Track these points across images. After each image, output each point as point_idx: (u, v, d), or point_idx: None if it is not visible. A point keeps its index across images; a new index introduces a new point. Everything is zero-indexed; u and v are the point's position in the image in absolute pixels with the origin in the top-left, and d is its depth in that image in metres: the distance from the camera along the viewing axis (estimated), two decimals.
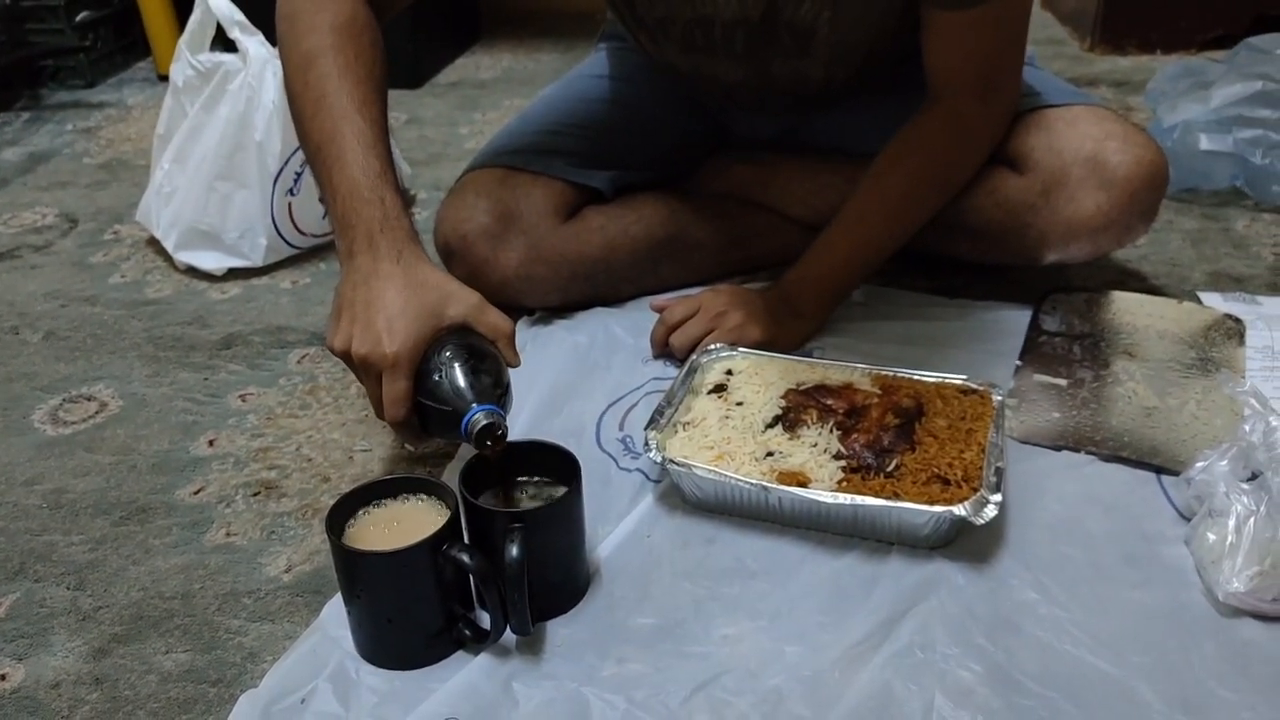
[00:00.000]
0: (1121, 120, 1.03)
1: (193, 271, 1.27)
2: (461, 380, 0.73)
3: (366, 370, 0.74)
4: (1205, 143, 1.30)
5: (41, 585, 0.79)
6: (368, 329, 0.74)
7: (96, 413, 1.01)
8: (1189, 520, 0.78)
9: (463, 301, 0.76)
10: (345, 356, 0.75)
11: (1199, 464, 0.78)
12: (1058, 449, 0.87)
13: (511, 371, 0.75)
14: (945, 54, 0.96)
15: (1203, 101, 1.32)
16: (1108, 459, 0.86)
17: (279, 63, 1.20)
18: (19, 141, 1.81)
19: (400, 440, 0.79)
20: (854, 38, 1.00)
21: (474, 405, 0.71)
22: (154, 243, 1.33)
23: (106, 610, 0.76)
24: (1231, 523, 0.72)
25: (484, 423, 0.70)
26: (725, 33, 1.00)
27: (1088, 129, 1.01)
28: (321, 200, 0.85)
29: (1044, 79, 1.09)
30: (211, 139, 1.23)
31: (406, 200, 0.82)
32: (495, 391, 0.74)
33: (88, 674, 0.71)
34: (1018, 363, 0.99)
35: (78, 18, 2.07)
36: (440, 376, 0.73)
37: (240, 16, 1.24)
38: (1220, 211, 1.30)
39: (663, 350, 1.02)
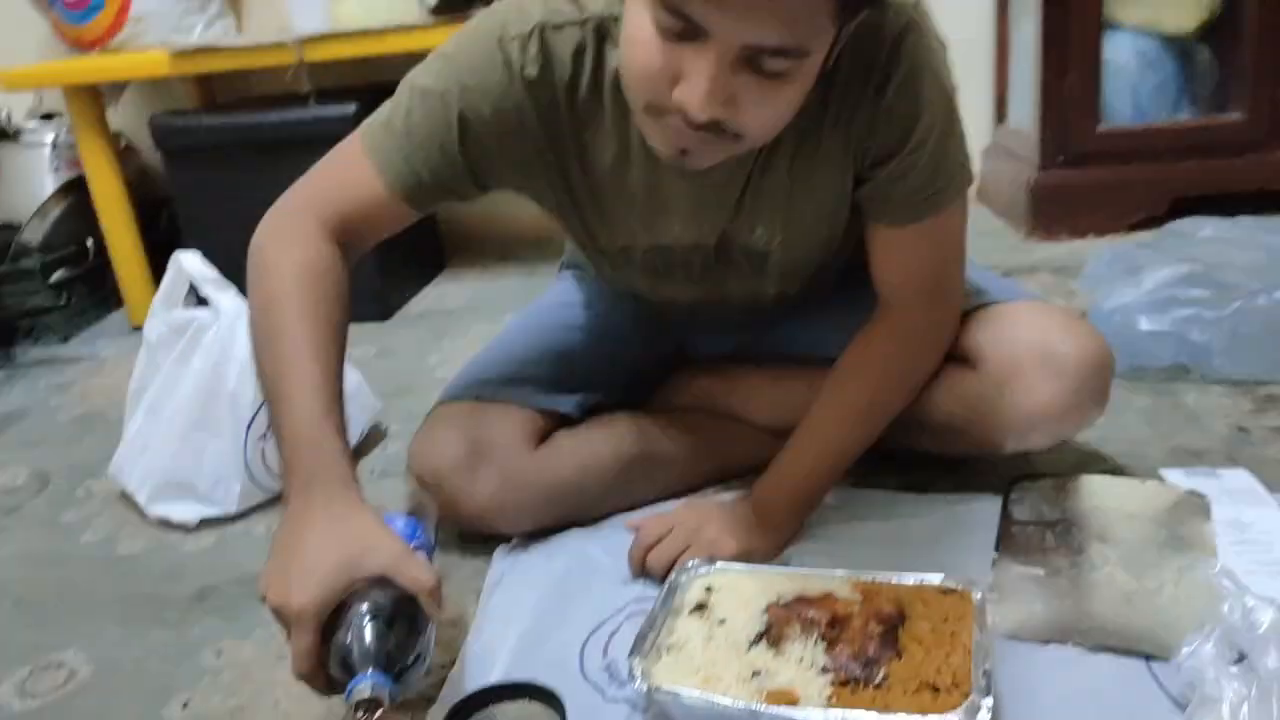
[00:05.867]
0: (1063, 311, 1.08)
1: (165, 524, 1.26)
2: (361, 641, 0.72)
3: (279, 621, 0.75)
4: (1145, 324, 1.35)
5: None
6: (282, 579, 0.75)
7: (66, 681, 0.98)
8: (1184, 708, 0.77)
9: (384, 552, 0.77)
10: (266, 603, 0.76)
11: (1186, 649, 0.78)
12: (1044, 643, 0.87)
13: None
14: (892, 266, 1.01)
15: (1136, 285, 1.38)
16: (1095, 650, 0.85)
17: None
18: None
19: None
20: (804, 256, 1.06)
21: (363, 672, 0.70)
22: (126, 497, 1.33)
23: None
24: (1226, 710, 0.71)
25: (364, 695, 0.69)
26: (684, 258, 1.06)
27: (1033, 321, 1.05)
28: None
29: (985, 277, 1.15)
30: (185, 391, 1.25)
31: (348, 443, 0.85)
32: (397, 656, 0.72)
33: None
34: (994, 555, 1.00)
35: (53, 277, 2.13)
36: (344, 634, 0.73)
37: (213, 274, 1.29)
38: (1170, 387, 1.35)
39: (641, 571, 1.01)
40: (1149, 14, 2.01)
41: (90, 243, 2.23)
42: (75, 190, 2.21)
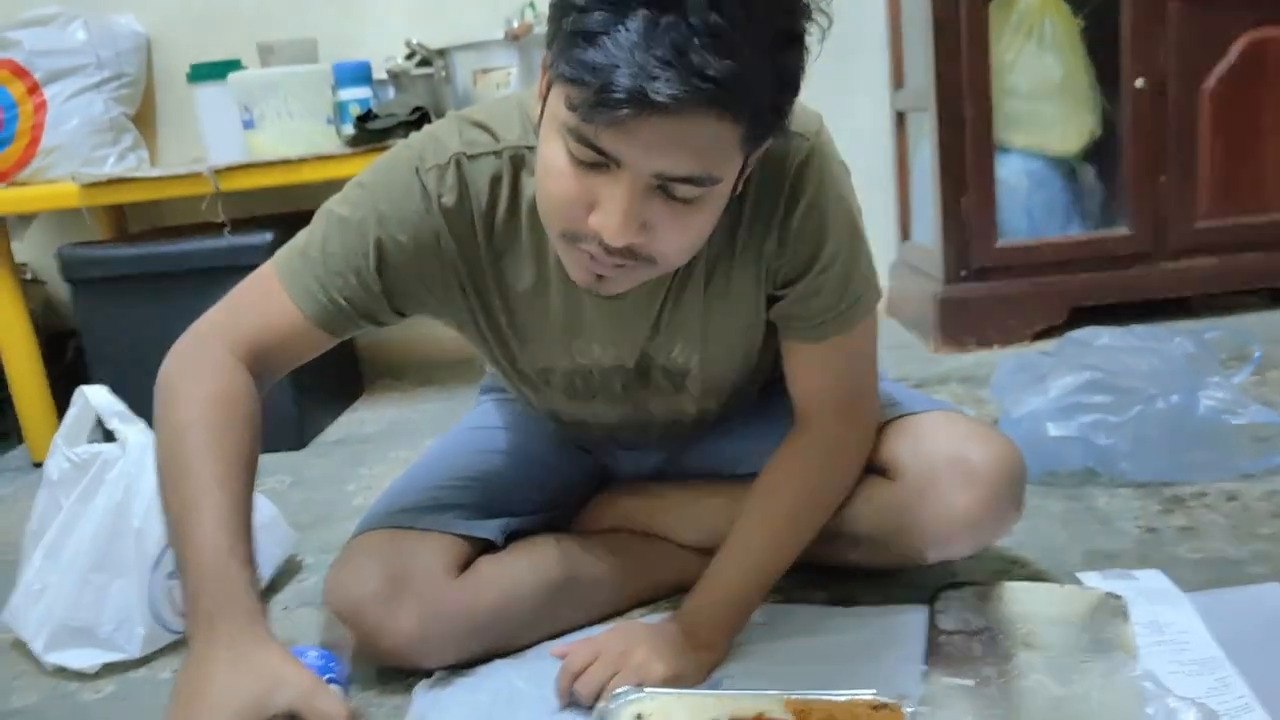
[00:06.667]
0: (975, 421, 1.11)
1: (63, 672, 1.19)
2: None
3: None
4: (1053, 430, 1.39)
5: None
6: None
7: None
8: None
9: (292, 687, 0.74)
10: None
11: None
12: None
13: None
14: (807, 381, 1.03)
15: (1043, 392, 1.43)
16: None
17: None
18: None
19: None
20: (722, 374, 1.08)
21: None
22: (20, 645, 1.25)
23: None
24: None
25: None
26: (604, 379, 1.06)
27: (947, 432, 1.07)
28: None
29: (898, 389, 1.18)
30: (87, 530, 1.20)
31: (257, 576, 0.83)
32: None
33: None
34: (923, 667, 0.99)
35: None
36: None
37: (120, 406, 1.25)
38: (1081, 491, 1.38)
39: (569, 700, 0.98)
40: (1036, 137, 2.14)
41: None
42: None
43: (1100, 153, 2.17)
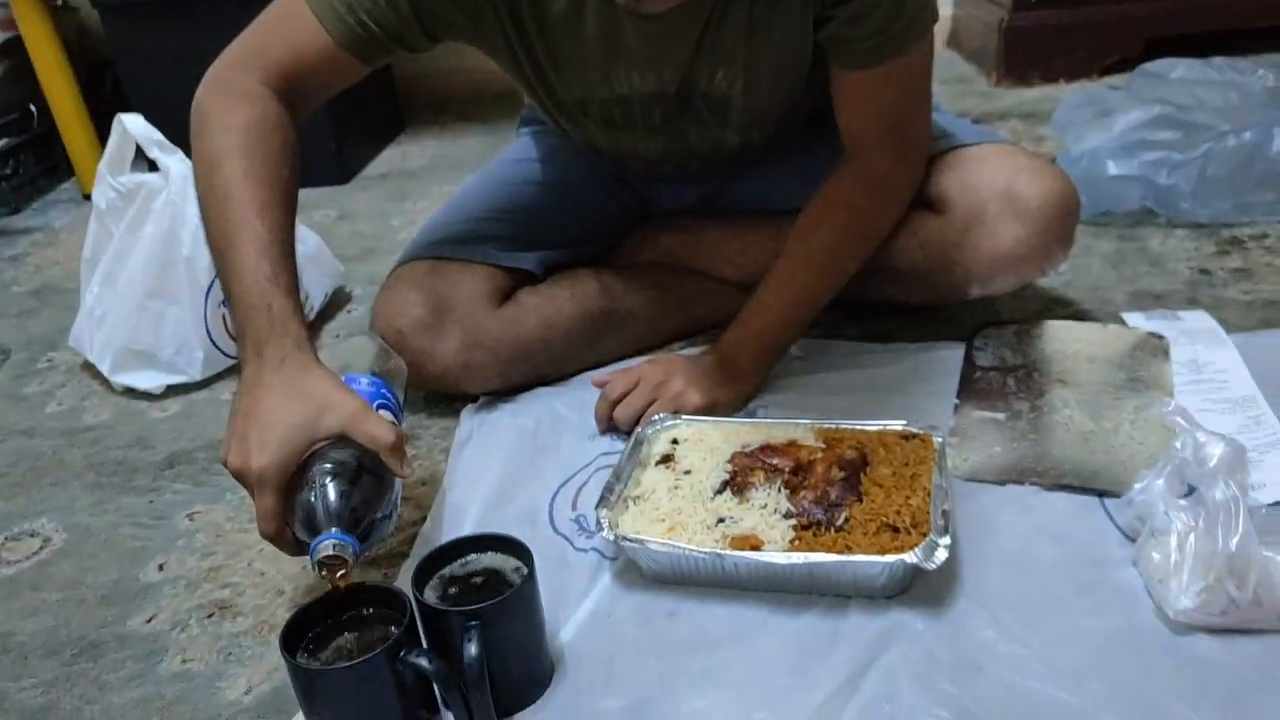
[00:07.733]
0: (1029, 154, 1.07)
1: (131, 392, 1.26)
2: (324, 500, 0.71)
3: (242, 484, 0.75)
4: (1113, 168, 1.34)
5: None
6: (241, 442, 0.74)
7: (40, 548, 0.99)
8: (1134, 541, 0.79)
9: (341, 411, 0.76)
10: (227, 468, 0.76)
11: (1138, 485, 0.80)
12: (1002, 484, 0.89)
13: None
14: (856, 112, 0.99)
15: (1107, 129, 1.36)
16: (1051, 488, 0.87)
17: None
18: None
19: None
20: (767, 102, 1.03)
21: (326, 531, 0.69)
22: (89, 367, 1.31)
23: None
24: (1173, 540, 0.73)
25: (327, 553, 0.68)
26: (644, 108, 1.03)
27: (998, 165, 1.04)
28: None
29: (951, 121, 1.13)
30: (139, 259, 1.23)
31: (300, 304, 0.83)
32: (362, 513, 0.72)
33: None
34: (956, 401, 1.01)
35: None
36: (306, 494, 0.72)
37: (158, 136, 1.24)
38: (1135, 232, 1.35)
39: (608, 426, 1.02)
40: None
41: (34, 109, 2.15)
42: (13, 53, 2.11)
43: None
